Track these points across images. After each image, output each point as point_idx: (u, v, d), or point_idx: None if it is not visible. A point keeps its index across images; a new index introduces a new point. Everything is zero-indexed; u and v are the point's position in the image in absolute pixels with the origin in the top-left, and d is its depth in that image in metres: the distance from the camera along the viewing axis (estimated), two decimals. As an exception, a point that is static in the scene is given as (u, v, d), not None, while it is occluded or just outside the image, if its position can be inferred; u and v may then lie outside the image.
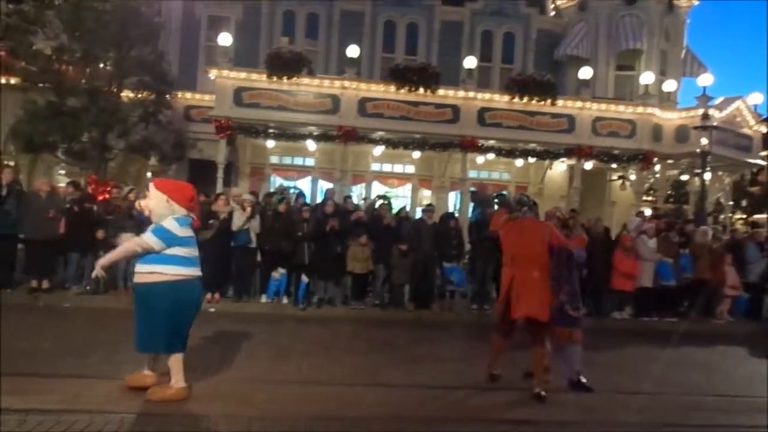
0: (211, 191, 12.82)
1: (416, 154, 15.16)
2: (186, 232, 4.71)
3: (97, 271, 4.74)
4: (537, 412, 4.98)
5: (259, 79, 13.57)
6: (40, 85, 12.92)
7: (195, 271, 4.75)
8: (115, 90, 13.36)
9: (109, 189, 10.98)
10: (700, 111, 13.94)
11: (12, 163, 13.21)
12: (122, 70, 13.31)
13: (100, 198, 10.82)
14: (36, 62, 12.88)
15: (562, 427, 4.74)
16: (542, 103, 14.19)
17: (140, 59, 13.43)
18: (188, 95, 15.73)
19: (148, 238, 4.59)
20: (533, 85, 14.23)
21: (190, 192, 4.93)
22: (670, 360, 7.31)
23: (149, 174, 14.96)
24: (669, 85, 16.21)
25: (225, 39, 13.80)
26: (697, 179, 14.99)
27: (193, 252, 4.76)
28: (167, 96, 14.19)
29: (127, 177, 14.68)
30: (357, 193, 15.43)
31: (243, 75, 13.59)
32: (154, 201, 4.74)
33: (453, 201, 16.28)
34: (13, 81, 13.64)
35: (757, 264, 11.06)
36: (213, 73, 13.61)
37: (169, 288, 4.57)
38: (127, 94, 13.68)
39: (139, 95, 13.78)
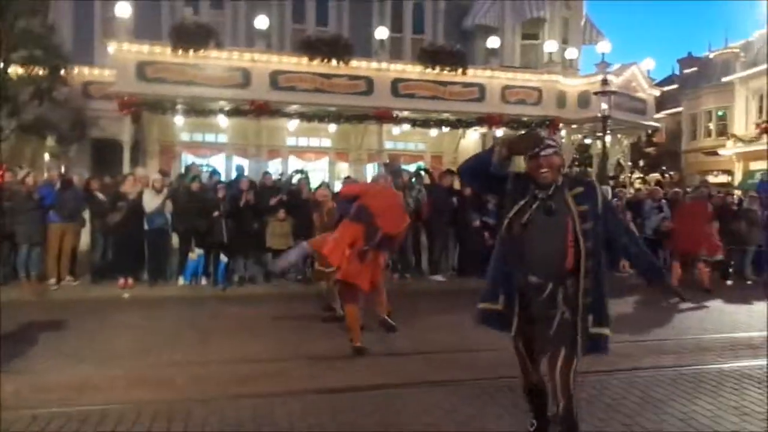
0: (118, 172, 12.19)
1: (332, 128, 15.01)
2: None
3: None
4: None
5: (163, 52, 12.88)
6: None
7: None
8: (1, 65, 12.27)
9: (1, 173, 10.17)
10: (600, 77, 14.68)
11: None
12: (8, 43, 12.21)
13: (-7, 182, 10.02)
14: None
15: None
16: (453, 73, 14.43)
17: (28, 31, 12.38)
18: (86, 70, 14.58)
19: None
20: (444, 55, 14.43)
21: None
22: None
23: (47, 156, 13.98)
24: (571, 53, 16.94)
25: (123, 9, 12.91)
26: (598, 142, 15.84)
27: None
28: (62, 71, 13.18)
29: (22, 159, 13.61)
30: (274, 169, 15.16)
31: (145, 48, 12.84)
32: None
33: (371, 173, 16.35)
34: None
35: (652, 219, 11.87)
36: (112, 47, 12.78)
37: None
38: (15, 70, 12.59)
39: (30, 71, 12.72)
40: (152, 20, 15.18)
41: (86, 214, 9.68)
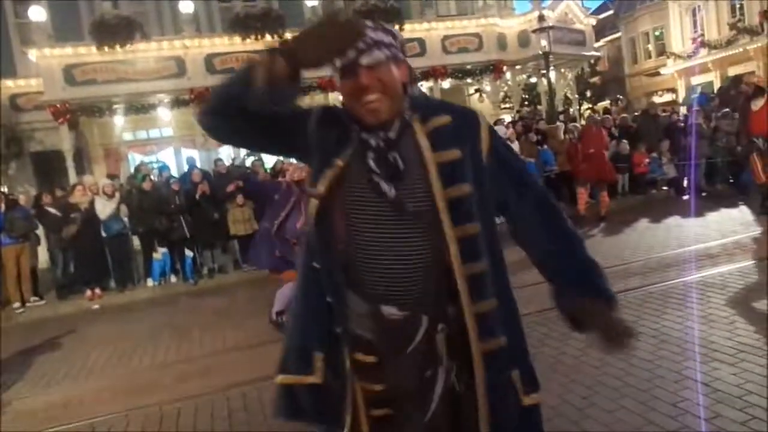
0: (64, 183, 11.79)
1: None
2: None
3: None
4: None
5: (88, 52, 12.33)
6: None
7: None
8: None
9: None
10: (536, 14, 14.70)
11: None
12: None
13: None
14: None
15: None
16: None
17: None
18: (10, 83, 13.87)
19: None
20: (379, 13, 14.17)
21: None
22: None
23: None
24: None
25: (38, 13, 12.26)
26: (544, 80, 15.98)
27: None
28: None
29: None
30: (226, 155, 14.87)
31: (69, 51, 12.27)
32: None
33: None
34: None
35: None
36: (33, 54, 12.18)
37: None
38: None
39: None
40: (71, 21, 14.42)
41: (40, 231, 9.38)
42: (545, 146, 11.80)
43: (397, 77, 1.52)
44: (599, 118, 12.24)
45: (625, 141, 11.67)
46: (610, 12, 33.38)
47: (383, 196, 1.49)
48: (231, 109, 1.49)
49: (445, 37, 14.97)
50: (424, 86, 15.77)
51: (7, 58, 14.50)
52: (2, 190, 11.05)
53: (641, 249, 7.48)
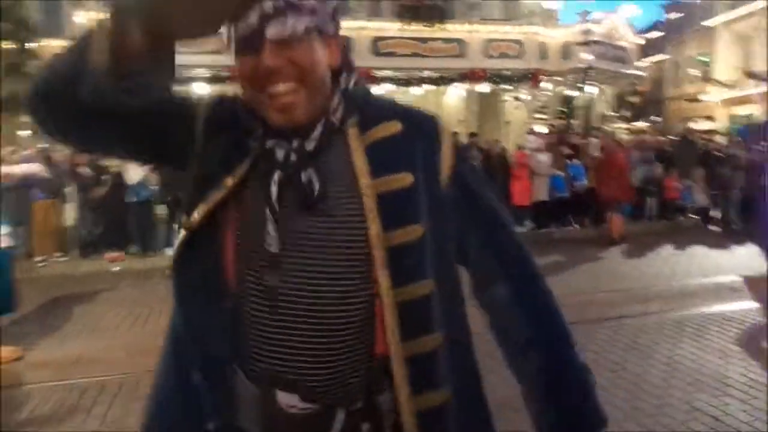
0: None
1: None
2: None
3: None
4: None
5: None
6: None
7: None
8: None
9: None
10: (581, 27, 14.53)
11: None
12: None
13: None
14: None
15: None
16: (433, 28, 14.21)
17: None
18: (56, 43, 14.18)
19: None
20: (423, 11, 14.18)
21: None
22: (565, 264, 7.93)
23: (22, 132, 13.69)
24: (551, 3, 16.71)
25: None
26: (582, 93, 15.80)
27: None
28: (31, 45, 12.79)
29: (-1, 138, 13.34)
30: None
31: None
32: None
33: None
34: None
35: (638, 169, 11.95)
36: (81, 16, 12.40)
37: None
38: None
39: (-2, 45, 12.35)
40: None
41: (70, 189, 9.58)
42: (575, 160, 11.68)
43: (323, 60, 1.01)
44: (618, 138, 12.15)
45: (658, 164, 11.51)
46: (660, 33, 32.86)
47: (306, 204, 1.00)
48: (60, 96, 0.94)
49: (487, 41, 14.88)
50: (461, 88, 15.74)
51: (54, 19, 14.84)
52: (42, 145, 11.30)
53: (663, 275, 7.38)
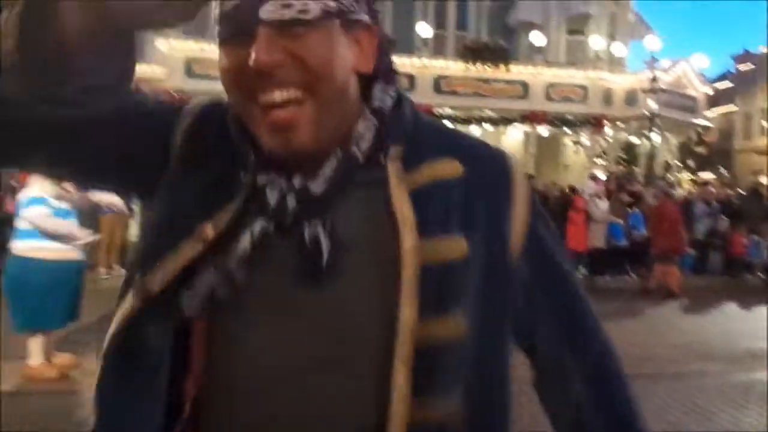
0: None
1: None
2: None
3: None
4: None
5: (210, 49, 13.18)
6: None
7: None
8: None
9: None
10: (648, 74, 14.31)
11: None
12: None
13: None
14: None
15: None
16: (496, 69, 14.30)
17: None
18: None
19: None
20: (487, 52, 14.33)
21: None
22: (621, 314, 7.65)
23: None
24: (618, 49, 16.56)
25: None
26: (646, 141, 15.47)
27: None
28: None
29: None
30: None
31: (192, 45, 13.17)
32: None
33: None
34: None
35: (703, 221, 11.53)
36: (160, 43, 13.14)
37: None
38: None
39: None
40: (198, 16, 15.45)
41: (137, 205, 9.99)
42: (635, 209, 11.38)
43: (346, 60, 0.68)
44: (671, 188, 11.81)
45: (723, 217, 11.07)
46: (729, 83, 32.01)
47: (310, 273, 0.68)
48: None
49: (550, 84, 14.87)
50: (520, 129, 15.66)
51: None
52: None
53: (728, 334, 7.02)
